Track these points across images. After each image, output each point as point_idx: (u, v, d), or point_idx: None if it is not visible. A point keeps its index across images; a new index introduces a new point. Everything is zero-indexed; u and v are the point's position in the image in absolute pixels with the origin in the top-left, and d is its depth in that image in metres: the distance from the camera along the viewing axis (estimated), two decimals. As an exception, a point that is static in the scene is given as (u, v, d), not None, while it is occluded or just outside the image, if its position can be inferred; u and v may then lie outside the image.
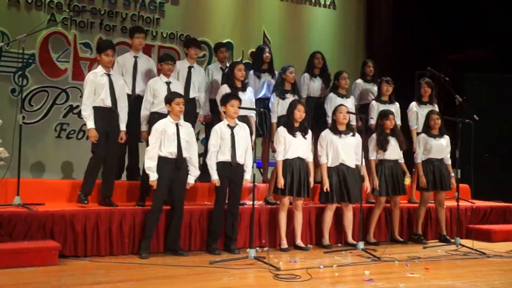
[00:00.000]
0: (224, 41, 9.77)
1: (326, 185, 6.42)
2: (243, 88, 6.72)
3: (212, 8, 9.95)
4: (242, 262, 5.47)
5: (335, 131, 6.54)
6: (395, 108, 7.45)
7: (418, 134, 7.43)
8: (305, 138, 6.33)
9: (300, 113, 6.25)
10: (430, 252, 6.51)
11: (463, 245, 6.64)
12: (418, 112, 7.61)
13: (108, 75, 6.11)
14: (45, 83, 8.60)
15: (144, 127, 6.46)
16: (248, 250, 5.92)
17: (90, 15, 8.79)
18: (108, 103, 6.04)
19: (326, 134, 6.57)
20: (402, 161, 6.96)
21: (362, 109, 7.66)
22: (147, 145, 5.94)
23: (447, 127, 7.41)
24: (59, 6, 8.69)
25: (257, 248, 5.70)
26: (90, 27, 8.96)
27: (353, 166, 6.53)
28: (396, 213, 7.00)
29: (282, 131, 6.26)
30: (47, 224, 5.41)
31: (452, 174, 7.19)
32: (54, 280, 4.60)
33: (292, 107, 6.33)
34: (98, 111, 6.02)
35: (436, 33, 11.46)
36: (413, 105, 7.71)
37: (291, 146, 6.23)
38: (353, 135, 6.58)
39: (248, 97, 6.69)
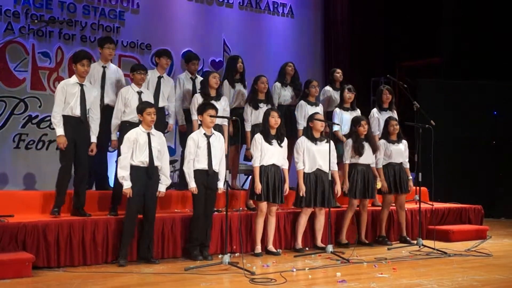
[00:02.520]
0: (185, 50, 9.90)
1: (303, 191, 6.57)
2: (217, 97, 6.81)
3: (172, 16, 10.02)
4: (216, 268, 5.55)
5: (311, 138, 6.69)
6: (356, 114, 7.67)
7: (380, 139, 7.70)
8: (280, 146, 6.47)
9: (274, 119, 6.39)
10: (395, 253, 6.74)
11: (425, 246, 6.91)
12: (379, 118, 7.83)
13: (81, 85, 6.07)
14: (2, 93, 8.46)
15: (114, 136, 6.47)
16: (220, 256, 6.03)
17: (48, 25, 8.69)
18: (76, 112, 6.00)
19: (302, 141, 6.70)
20: (373, 165, 7.20)
21: (329, 116, 7.84)
22: (118, 154, 5.95)
23: (406, 132, 7.70)
24: (16, 15, 8.58)
25: (229, 254, 5.75)
26: (49, 36, 8.88)
27: (327, 171, 6.70)
28: (364, 216, 7.23)
29: (258, 138, 6.39)
30: (19, 236, 5.33)
31: (410, 177, 7.46)
32: (31, 292, 4.58)
33: (266, 115, 6.46)
34: (67, 120, 5.97)
35: (391, 41, 11.84)
36: (374, 111, 7.94)
37: (267, 153, 6.35)
38: (327, 141, 6.76)
39: (222, 106, 6.75)
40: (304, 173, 6.64)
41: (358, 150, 6.97)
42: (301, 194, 6.58)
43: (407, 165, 7.46)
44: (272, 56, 10.62)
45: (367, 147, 7.08)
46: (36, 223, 5.46)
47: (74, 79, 6.09)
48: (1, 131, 8.44)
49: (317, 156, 6.64)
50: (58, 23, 8.72)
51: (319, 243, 6.86)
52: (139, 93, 6.48)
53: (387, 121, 7.44)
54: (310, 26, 11.71)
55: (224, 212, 6.36)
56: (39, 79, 8.74)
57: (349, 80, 8.55)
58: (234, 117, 6.16)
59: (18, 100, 8.55)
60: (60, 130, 5.92)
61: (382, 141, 7.38)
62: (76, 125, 6.01)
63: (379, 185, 7.28)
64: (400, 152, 7.37)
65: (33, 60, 8.73)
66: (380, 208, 7.55)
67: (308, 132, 6.75)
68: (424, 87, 10.60)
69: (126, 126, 6.26)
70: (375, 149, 7.17)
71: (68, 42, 8.96)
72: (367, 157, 7.08)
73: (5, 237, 5.29)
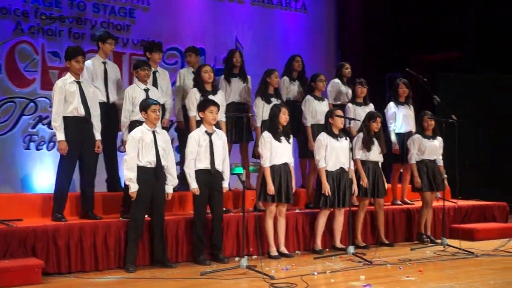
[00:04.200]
0: (198, 47, 9.67)
1: (327, 190, 6.32)
2: (214, 91, 6.52)
3: (183, 14, 9.78)
4: (233, 272, 5.31)
5: (333, 134, 6.45)
6: (369, 109, 7.45)
7: (396, 134, 7.49)
8: (289, 143, 6.24)
9: (285, 116, 6.15)
10: (419, 253, 6.46)
11: (449, 245, 6.63)
12: (396, 113, 7.60)
13: (78, 82, 5.84)
14: (12, 94, 8.28)
15: (126, 137, 6.18)
16: (236, 259, 5.82)
17: (58, 23, 8.50)
18: (81, 111, 5.79)
19: (324, 138, 6.45)
20: (380, 163, 6.94)
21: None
22: None
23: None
24: (25, 14, 8.40)
25: (246, 257, 5.50)
26: (59, 35, 8.68)
27: (347, 169, 6.48)
28: (381, 215, 6.95)
29: (267, 136, 6.13)
30: (29, 241, 5.14)
31: (445, 176, 7.20)
32: (41, 300, 4.38)
33: (276, 111, 6.20)
34: (71, 121, 5.76)
35: (407, 35, 11.55)
36: (391, 105, 7.68)
37: (278, 151, 6.11)
38: (346, 138, 6.52)
39: (219, 100, 6.40)
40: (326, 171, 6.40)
41: (367, 145, 6.71)
42: (326, 194, 6.32)
43: (441, 162, 7.21)
44: (285, 52, 10.28)
45: (376, 143, 6.80)
46: (45, 227, 5.27)
47: (70, 77, 5.84)
48: (11, 132, 8.25)
49: (340, 153, 6.41)
50: (68, 19, 8.52)
51: (338, 244, 6.62)
52: (146, 90, 6.25)
53: (422, 117, 7.21)
54: (324, 21, 11.42)
55: (234, 214, 6.17)
56: (49, 79, 8.52)
57: (363, 75, 8.33)
58: (250, 114, 5.93)
59: (28, 100, 8.35)
60: (61, 135, 5.69)
61: (417, 136, 7.16)
62: (82, 125, 5.80)
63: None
64: (434, 148, 7.13)
65: (43, 60, 8.53)
66: (401, 206, 7.31)
67: (328, 129, 6.49)
68: (444, 82, 10.27)
69: (135, 126, 5.98)
70: (382, 149, 6.87)
71: (78, 41, 8.72)
72: (375, 154, 6.79)
73: (14, 242, 5.09)
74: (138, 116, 6.06)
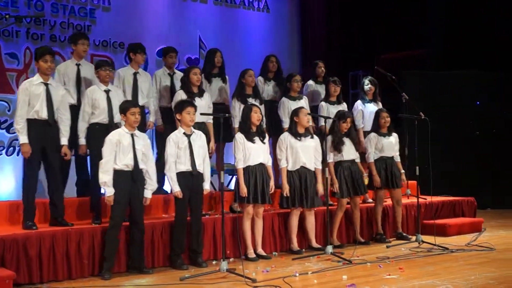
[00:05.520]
0: (159, 47, 9.48)
1: (286, 190, 6.26)
2: (200, 94, 6.46)
3: (145, 13, 9.58)
4: (214, 276, 5.18)
5: (295, 134, 6.37)
6: (343, 108, 7.45)
7: (364, 132, 7.47)
8: (263, 143, 6.14)
9: (257, 115, 6.04)
10: (395, 251, 6.47)
11: (425, 242, 6.66)
12: (363, 110, 7.60)
13: (46, 84, 5.59)
14: (-32, 98, 7.94)
15: (82, 141, 5.98)
16: (214, 262, 5.71)
17: (15, 23, 8.17)
18: (43, 115, 5.53)
19: (285, 137, 6.38)
20: (358, 160, 6.89)
21: (313, 110, 7.55)
22: (91, 158, 5.59)
23: (394, 125, 7.45)
24: (-20, 14, 8.05)
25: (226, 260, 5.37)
26: (16, 36, 8.36)
27: (312, 169, 6.41)
28: (357, 214, 6.92)
29: (240, 137, 6.02)
30: (-3, 251, 4.89)
31: (402, 171, 7.23)
32: (14, 313, 4.15)
33: (247, 111, 6.10)
34: (32, 124, 5.51)
35: (370, 33, 11.63)
36: (358, 103, 7.70)
37: (252, 152, 6.00)
38: (312, 137, 6.44)
39: (205, 102, 6.43)
40: (287, 171, 6.32)
41: (337, 147, 6.65)
42: (284, 194, 6.26)
43: (398, 159, 7.22)
44: (249, 52, 10.30)
45: (348, 142, 6.75)
46: (15, 236, 5.01)
47: (37, 78, 5.60)
48: (-33, 137, 7.91)
49: (300, 152, 6.33)
50: (26, 19, 8.19)
51: (314, 243, 6.55)
52: (107, 91, 6.03)
53: (378, 114, 7.16)
54: (286, 20, 11.42)
55: (211, 216, 6.06)
56: (7, 82, 8.22)
57: (327, 74, 8.33)
58: (227, 114, 5.82)
59: (-15, 104, 8.02)
60: (23, 138, 5.44)
61: (373, 134, 7.11)
62: (43, 130, 5.54)
63: (366, 180, 7.01)
64: (391, 145, 7.12)
65: (0, 62, 8.20)
66: (373, 204, 7.28)
67: (292, 128, 6.41)
68: (408, 79, 10.38)
69: (95, 129, 5.85)
70: (356, 147, 6.83)
71: (37, 42, 8.43)
72: (349, 153, 6.74)
73: (-19, 254, 4.83)
74: (99, 118, 5.92)
